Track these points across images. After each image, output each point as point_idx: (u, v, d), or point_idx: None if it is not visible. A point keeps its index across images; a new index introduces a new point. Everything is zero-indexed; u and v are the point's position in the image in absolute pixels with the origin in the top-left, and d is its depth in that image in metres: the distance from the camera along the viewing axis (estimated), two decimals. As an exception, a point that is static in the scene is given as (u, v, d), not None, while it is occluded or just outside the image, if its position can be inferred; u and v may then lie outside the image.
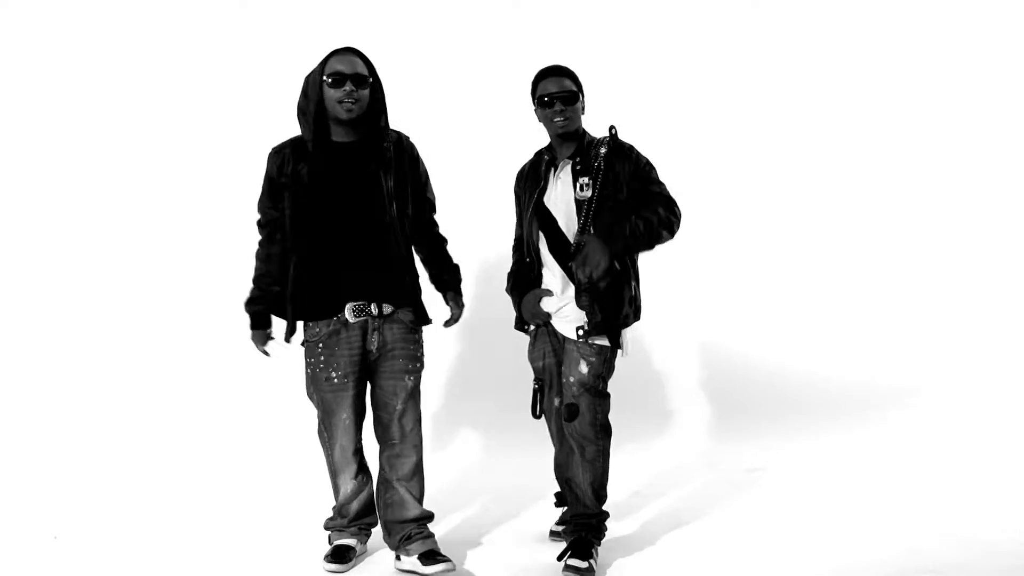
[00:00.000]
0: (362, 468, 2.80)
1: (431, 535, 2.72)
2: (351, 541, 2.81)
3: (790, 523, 3.08)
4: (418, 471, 2.73)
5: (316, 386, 2.67)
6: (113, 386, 4.23)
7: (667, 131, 4.54)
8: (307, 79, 2.61)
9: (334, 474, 2.79)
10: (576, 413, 2.68)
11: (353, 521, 2.83)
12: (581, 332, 2.66)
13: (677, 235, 2.64)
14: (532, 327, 2.85)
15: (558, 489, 3.01)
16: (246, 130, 4.46)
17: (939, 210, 4.65)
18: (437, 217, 2.90)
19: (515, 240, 2.96)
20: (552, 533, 3.01)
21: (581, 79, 2.77)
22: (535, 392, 2.87)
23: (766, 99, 4.65)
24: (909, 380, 4.36)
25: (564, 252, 2.69)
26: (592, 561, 2.61)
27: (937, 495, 3.32)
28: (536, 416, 2.88)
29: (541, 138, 3.01)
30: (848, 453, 3.87)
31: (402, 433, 2.69)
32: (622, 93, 4.55)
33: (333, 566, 2.72)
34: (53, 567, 2.79)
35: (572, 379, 2.69)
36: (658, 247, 2.62)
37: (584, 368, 2.67)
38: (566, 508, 2.97)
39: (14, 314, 4.36)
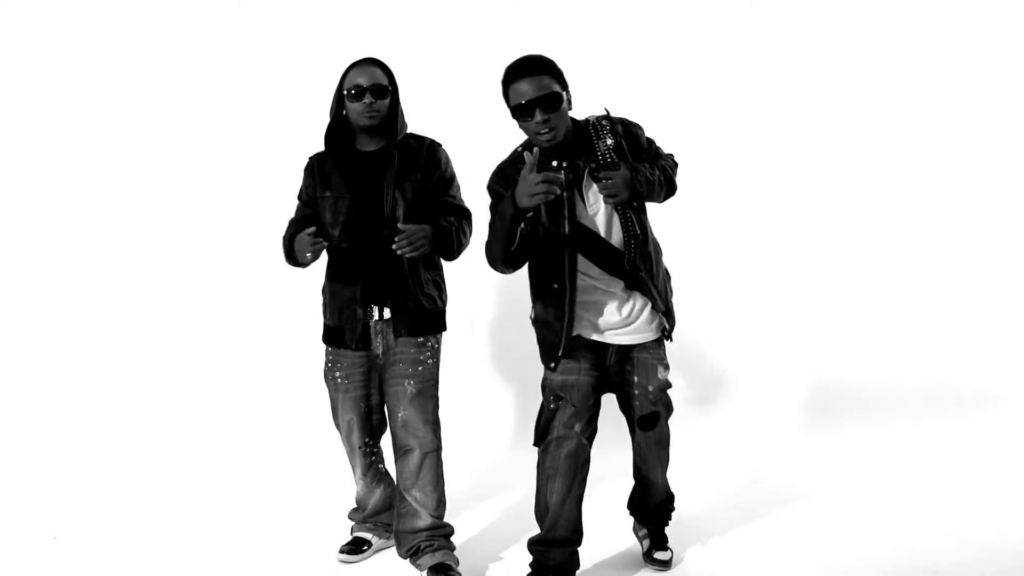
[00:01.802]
0: (371, 468, 2.83)
1: (444, 547, 2.64)
2: (368, 535, 2.88)
3: (790, 523, 3.08)
4: (429, 478, 2.64)
5: (326, 382, 2.77)
6: (113, 385, 4.22)
7: (667, 131, 4.52)
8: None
9: (351, 468, 2.87)
10: (656, 421, 2.55)
11: (369, 517, 2.90)
12: (665, 333, 2.55)
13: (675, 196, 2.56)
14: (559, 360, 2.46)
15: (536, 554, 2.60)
16: (246, 130, 4.46)
17: (940, 210, 4.64)
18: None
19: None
20: None
21: (570, 86, 2.40)
22: (554, 412, 2.48)
23: (766, 100, 4.64)
24: (909, 380, 4.35)
25: (616, 263, 2.43)
26: (670, 547, 2.75)
27: (937, 495, 3.32)
28: (539, 443, 2.52)
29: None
30: (848, 453, 3.87)
31: (408, 440, 2.64)
32: (621, 93, 4.54)
33: (344, 556, 2.82)
34: (53, 567, 2.79)
35: (651, 387, 2.52)
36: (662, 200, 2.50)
37: (663, 372, 2.55)
38: None
39: (15, 314, 4.36)
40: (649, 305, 2.49)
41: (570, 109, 2.38)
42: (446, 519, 2.71)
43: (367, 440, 2.78)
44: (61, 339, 4.33)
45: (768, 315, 4.55)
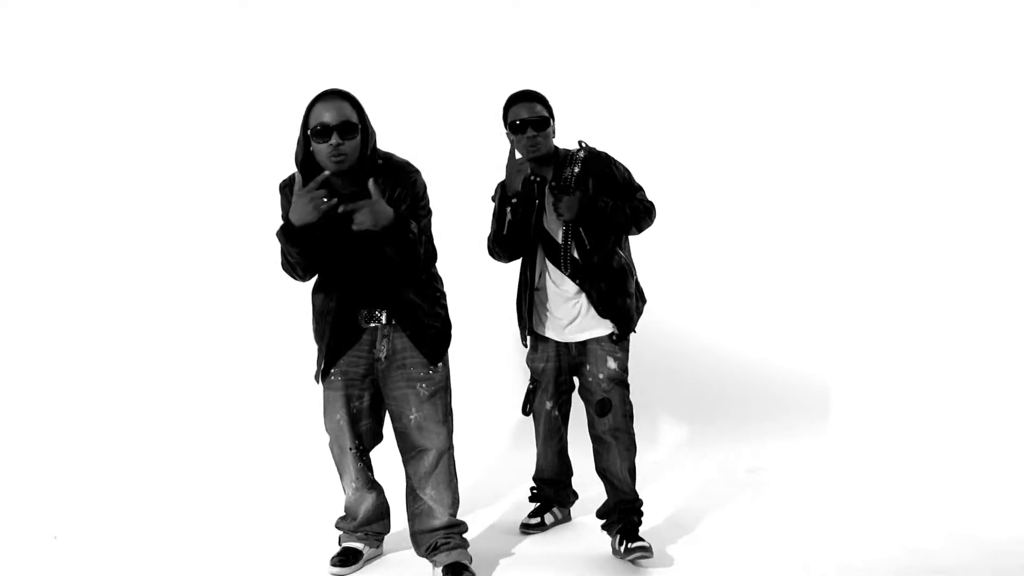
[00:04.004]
0: (363, 475, 2.72)
1: (459, 545, 2.63)
2: (358, 545, 2.80)
3: (790, 523, 3.08)
4: (443, 477, 2.61)
5: (319, 381, 2.67)
6: (113, 386, 4.23)
7: (665, 131, 4.54)
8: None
9: (339, 474, 2.77)
10: (608, 408, 2.82)
11: (360, 527, 2.81)
12: (614, 337, 2.82)
13: (655, 230, 2.93)
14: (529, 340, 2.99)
15: (533, 484, 3.17)
16: (246, 131, 4.47)
17: (937, 210, 4.64)
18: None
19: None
20: (523, 526, 3.08)
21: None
22: (530, 391, 3.01)
23: (765, 100, 4.64)
24: (910, 379, 4.35)
25: (557, 257, 2.84)
26: (644, 540, 2.74)
27: (938, 495, 3.32)
28: (526, 413, 3.01)
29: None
30: (848, 453, 3.87)
31: (422, 441, 2.58)
32: (620, 93, 4.55)
33: (337, 569, 2.73)
34: (53, 567, 2.79)
35: (602, 376, 2.83)
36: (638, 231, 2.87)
37: (612, 364, 2.83)
38: (540, 504, 3.13)
39: (14, 314, 4.37)
40: (592, 308, 2.82)
41: (553, 136, 2.84)
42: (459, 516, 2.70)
43: (357, 443, 2.68)
44: (62, 340, 4.33)
45: (769, 314, 4.55)
